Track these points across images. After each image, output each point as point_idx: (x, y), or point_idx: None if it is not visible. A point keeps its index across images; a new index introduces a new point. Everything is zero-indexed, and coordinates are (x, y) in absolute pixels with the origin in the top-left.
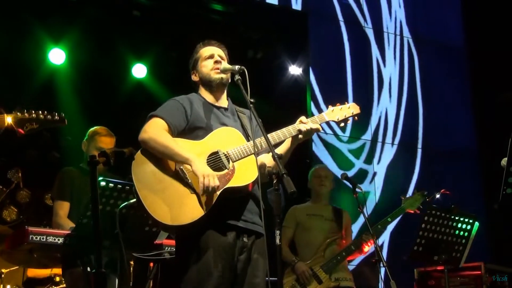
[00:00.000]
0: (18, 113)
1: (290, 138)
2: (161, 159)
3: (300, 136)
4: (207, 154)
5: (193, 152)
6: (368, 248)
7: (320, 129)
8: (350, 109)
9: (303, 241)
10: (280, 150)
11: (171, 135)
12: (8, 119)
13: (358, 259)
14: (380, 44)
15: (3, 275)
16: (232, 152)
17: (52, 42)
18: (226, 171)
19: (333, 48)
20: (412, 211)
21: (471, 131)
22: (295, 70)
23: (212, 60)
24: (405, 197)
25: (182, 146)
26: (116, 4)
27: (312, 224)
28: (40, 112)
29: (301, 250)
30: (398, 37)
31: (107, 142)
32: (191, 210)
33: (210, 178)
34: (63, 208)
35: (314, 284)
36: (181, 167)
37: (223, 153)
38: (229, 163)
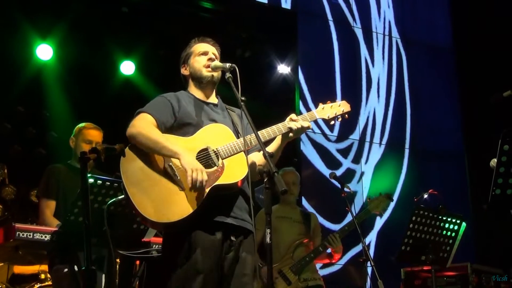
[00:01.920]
0: None
1: (280, 136)
2: (150, 155)
3: (291, 134)
4: (197, 150)
5: (183, 148)
6: (338, 256)
7: (310, 126)
8: (340, 107)
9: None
10: (271, 148)
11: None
12: None
13: (345, 258)
14: (369, 44)
15: None
16: (221, 149)
17: (40, 38)
18: (215, 168)
19: (322, 48)
20: (377, 213)
21: (459, 132)
22: (283, 69)
23: (206, 57)
24: (371, 198)
25: (171, 141)
26: (104, 0)
27: (281, 226)
28: None
29: None
30: (386, 37)
31: (94, 134)
32: (179, 208)
33: (198, 172)
34: (49, 206)
35: (283, 285)
36: (170, 163)
37: (213, 150)
38: (218, 160)
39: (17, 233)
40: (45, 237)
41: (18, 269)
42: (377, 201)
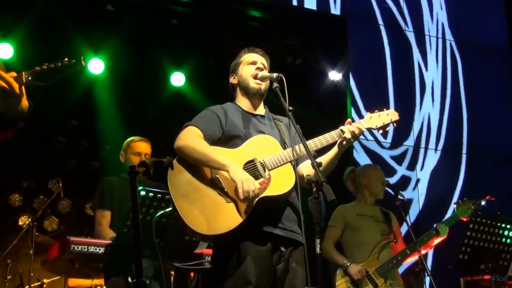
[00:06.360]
0: (36, 68)
1: (337, 146)
2: (197, 168)
3: (344, 142)
4: (243, 162)
5: (230, 160)
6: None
7: (362, 130)
8: (388, 116)
9: (353, 242)
10: (328, 156)
11: None
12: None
13: (402, 267)
14: (422, 47)
15: (45, 285)
16: (268, 160)
17: (92, 52)
18: (261, 179)
19: (373, 53)
20: (465, 219)
21: None
22: (335, 75)
23: (254, 66)
24: (458, 204)
25: (218, 152)
26: (154, 13)
27: (362, 225)
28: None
29: (350, 251)
30: (440, 40)
31: (142, 146)
32: (227, 219)
33: (249, 182)
34: (105, 217)
35: (369, 287)
36: (217, 175)
37: (259, 161)
38: (265, 171)
39: (72, 246)
40: (99, 250)
41: (73, 282)
42: (465, 207)
